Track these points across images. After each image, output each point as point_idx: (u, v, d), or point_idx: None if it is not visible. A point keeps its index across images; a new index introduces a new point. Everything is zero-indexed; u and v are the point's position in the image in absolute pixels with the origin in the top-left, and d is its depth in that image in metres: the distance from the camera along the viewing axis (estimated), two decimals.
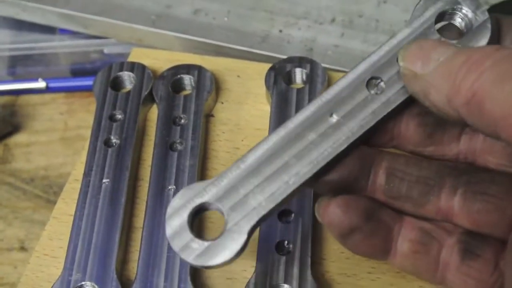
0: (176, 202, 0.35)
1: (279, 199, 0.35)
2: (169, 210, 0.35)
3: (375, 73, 0.37)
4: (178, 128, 0.48)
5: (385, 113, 0.36)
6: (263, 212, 0.35)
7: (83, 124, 0.60)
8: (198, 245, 0.34)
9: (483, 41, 0.36)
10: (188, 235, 0.34)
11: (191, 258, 0.34)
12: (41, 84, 0.62)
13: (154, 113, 0.50)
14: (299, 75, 0.50)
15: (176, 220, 0.35)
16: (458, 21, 0.37)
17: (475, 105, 0.30)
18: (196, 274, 0.42)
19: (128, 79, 0.51)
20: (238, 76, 0.52)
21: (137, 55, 0.54)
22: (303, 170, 0.36)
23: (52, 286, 0.41)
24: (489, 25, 0.36)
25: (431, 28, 0.37)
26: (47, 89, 0.62)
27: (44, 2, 0.62)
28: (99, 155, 0.47)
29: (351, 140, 0.36)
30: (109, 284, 0.41)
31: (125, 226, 0.44)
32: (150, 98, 0.50)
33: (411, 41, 0.37)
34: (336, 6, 0.60)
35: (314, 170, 0.36)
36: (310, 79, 0.49)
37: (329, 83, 0.49)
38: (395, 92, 0.36)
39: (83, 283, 0.41)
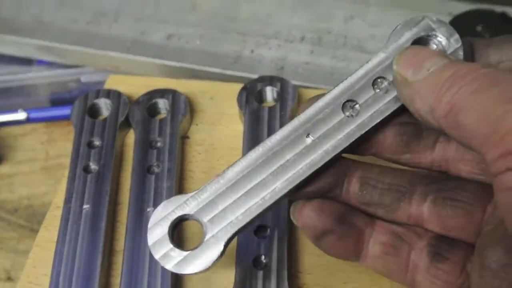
0: (157, 214, 0.37)
1: (255, 213, 0.37)
2: (151, 220, 0.37)
3: (351, 96, 0.38)
4: (155, 151, 0.49)
5: (358, 135, 0.38)
6: (239, 225, 0.37)
7: (64, 152, 0.61)
8: (177, 254, 0.36)
9: None
10: (168, 244, 0.36)
11: (170, 266, 0.36)
12: (21, 115, 0.63)
13: (131, 137, 0.51)
14: (270, 93, 0.51)
15: (157, 230, 0.37)
16: (432, 47, 0.38)
17: (452, 117, 0.31)
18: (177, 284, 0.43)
19: (104, 106, 0.52)
20: (211, 98, 0.53)
21: (113, 82, 0.55)
22: (279, 186, 0.37)
23: None
24: (461, 52, 0.38)
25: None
26: (28, 120, 0.63)
27: (21, 35, 0.63)
28: (78, 182, 0.48)
29: (325, 160, 0.37)
30: None
31: (106, 250, 0.45)
32: (127, 123, 0.52)
33: (386, 65, 0.38)
34: (305, 24, 0.61)
35: (290, 187, 0.37)
36: (281, 97, 0.50)
37: (299, 100, 0.51)
38: (370, 115, 0.38)
39: None
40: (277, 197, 0.37)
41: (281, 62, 0.59)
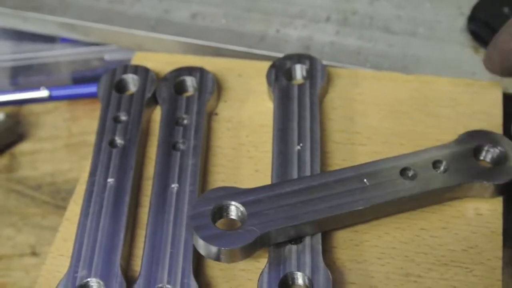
0: (208, 194, 0.42)
1: (293, 223, 0.41)
2: (200, 197, 0.42)
3: (411, 165, 0.43)
4: (181, 128, 0.49)
5: (407, 195, 0.42)
6: (276, 226, 0.40)
7: (87, 130, 0.61)
8: (212, 228, 0.40)
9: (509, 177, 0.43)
10: (207, 219, 0.40)
11: (202, 234, 0.40)
12: (43, 93, 0.63)
13: (157, 114, 0.51)
14: (299, 71, 0.51)
15: (202, 206, 0.41)
16: (489, 157, 0.45)
17: None
18: (199, 270, 0.43)
19: (131, 81, 0.52)
20: (239, 75, 0.53)
21: (139, 59, 0.55)
22: (321, 210, 0.41)
23: (59, 283, 0.42)
24: None
25: (469, 152, 0.44)
26: (50, 98, 0.63)
27: (44, 12, 0.63)
28: (103, 156, 0.48)
29: (373, 203, 0.42)
30: (114, 280, 0.42)
31: (130, 224, 0.45)
32: (154, 100, 0.52)
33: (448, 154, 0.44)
34: (330, 4, 0.61)
35: (330, 214, 0.41)
36: (310, 75, 0.50)
37: (328, 78, 0.51)
38: (424, 184, 0.43)
39: (88, 279, 0.42)
40: (315, 218, 0.41)
41: (307, 42, 0.58)
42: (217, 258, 0.40)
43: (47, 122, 0.62)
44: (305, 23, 0.60)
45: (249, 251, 0.40)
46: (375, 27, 0.59)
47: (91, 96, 0.62)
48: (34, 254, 0.53)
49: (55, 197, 0.57)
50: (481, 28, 0.57)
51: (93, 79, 0.63)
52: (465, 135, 0.45)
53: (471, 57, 0.56)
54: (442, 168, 0.44)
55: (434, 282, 0.41)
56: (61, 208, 0.55)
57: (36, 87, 0.63)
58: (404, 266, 0.42)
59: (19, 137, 0.61)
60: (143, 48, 0.61)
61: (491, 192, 0.43)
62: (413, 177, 0.43)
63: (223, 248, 0.39)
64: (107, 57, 0.64)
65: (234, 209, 0.41)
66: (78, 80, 0.64)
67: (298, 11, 0.61)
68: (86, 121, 0.61)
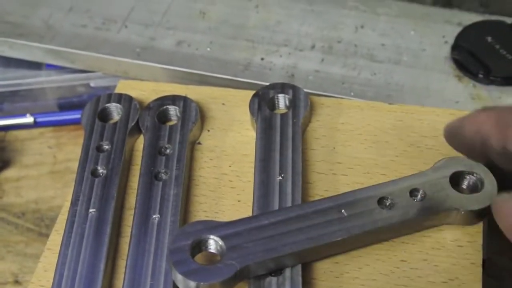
0: (187, 227, 0.42)
1: (272, 255, 0.40)
2: (179, 231, 0.42)
3: (388, 194, 0.43)
4: (164, 158, 0.49)
5: (385, 224, 0.42)
6: (256, 260, 0.40)
7: (72, 157, 0.61)
8: (191, 263, 0.40)
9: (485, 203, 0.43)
10: (186, 255, 0.40)
11: (181, 270, 0.39)
12: (29, 119, 0.63)
13: (140, 143, 0.51)
14: (282, 100, 0.51)
15: (181, 241, 0.40)
16: (465, 184, 0.45)
17: None
18: None
19: (115, 110, 0.52)
20: (223, 103, 0.53)
21: (123, 87, 0.55)
22: (302, 241, 0.41)
23: None
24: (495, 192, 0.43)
25: (445, 179, 0.44)
26: (35, 124, 0.63)
27: (31, 39, 0.63)
28: (85, 185, 0.48)
29: (352, 233, 0.42)
30: None
31: (111, 254, 0.45)
32: (137, 129, 0.52)
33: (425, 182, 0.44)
34: (315, 33, 0.61)
35: (309, 246, 0.41)
36: (293, 104, 0.50)
37: (311, 108, 0.51)
38: (401, 213, 0.43)
39: None
40: (296, 249, 0.41)
41: (292, 70, 0.59)
42: None
43: (32, 149, 0.62)
44: (290, 51, 0.60)
45: (228, 285, 0.40)
46: (360, 55, 0.60)
47: (77, 122, 0.62)
48: (17, 282, 0.53)
49: (39, 224, 0.57)
50: (464, 57, 0.58)
51: (79, 105, 0.63)
52: (442, 162, 0.45)
53: (454, 85, 0.57)
54: (419, 196, 0.44)
55: None
56: (44, 235, 0.55)
57: (22, 114, 0.63)
58: None
59: (4, 164, 0.61)
60: (129, 75, 0.62)
61: (468, 219, 0.43)
62: (390, 206, 0.43)
63: (201, 283, 0.39)
64: (93, 83, 0.64)
65: (213, 243, 0.41)
66: (64, 106, 0.64)
67: (283, 39, 0.61)
68: (71, 148, 0.62)
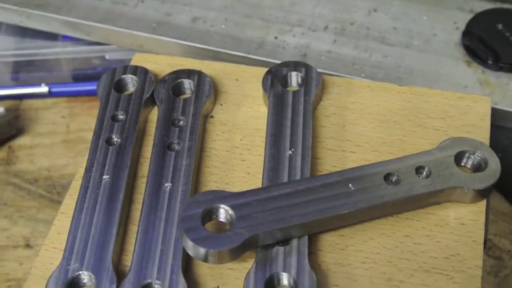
0: (198, 197, 0.42)
1: (280, 225, 0.42)
2: (191, 199, 0.43)
3: (395, 171, 0.45)
4: (177, 129, 0.50)
5: (391, 199, 0.43)
6: (264, 229, 0.41)
7: (85, 127, 0.62)
8: (201, 231, 0.41)
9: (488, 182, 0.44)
10: (197, 222, 0.41)
11: (192, 237, 0.41)
12: (43, 89, 0.64)
13: (155, 115, 0.52)
14: (295, 78, 0.52)
15: (193, 209, 0.42)
16: (470, 163, 0.46)
17: None
18: (188, 267, 0.44)
19: (131, 81, 0.53)
20: (236, 79, 0.54)
21: (139, 60, 0.56)
22: (309, 213, 0.42)
23: (51, 275, 0.43)
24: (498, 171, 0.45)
25: (450, 158, 0.45)
26: (50, 94, 0.64)
27: (48, 10, 0.64)
28: (100, 153, 0.49)
29: (359, 207, 0.43)
30: (105, 274, 0.43)
31: (123, 220, 0.46)
32: (151, 101, 0.53)
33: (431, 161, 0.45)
34: (328, 14, 0.62)
35: (316, 218, 0.42)
36: (305, 82, 0.51)
37: (322, 87, 0.52)
38: (407, 189, 0.44)
39: (80, 272, 0.43)
40: (304, 220, 0.42)
41: (304, 50, 0.60)
42: (206, 260, 0.41)
43: (46, 118, 0.63)
44: (303, 31, 0.61)
45: (237, 253, 0.41)
46: (372, 37, 0.61)
47: (90, 94, 0.63)
48: (28, 246, 0.55)
49: (51, 191, 0.58)
50: (475, 43, 0.59)
51: (93, 77, 0.64)
52: (447, 142, 0.46)
53: (464, 70, 0.58)
54: (424, 173, 0.45)
55: None
56: (56, 202, 0.56)
57: (37, 83, 0.64)
58: (387, 271, 0.43)
59: (18, 131, 0.62)
60: (144, 49, 0.63)
61: (471, 197, 0.44)
62: (396, 183, 0.44)
63: (211, 250, 0.40)
64: (108, 56, 0.65)
65: (223, 212, 0.42)
66: (78, 78, 0.65)
67: (297, 19, 0.62)
68: (84, 118, 0.63)
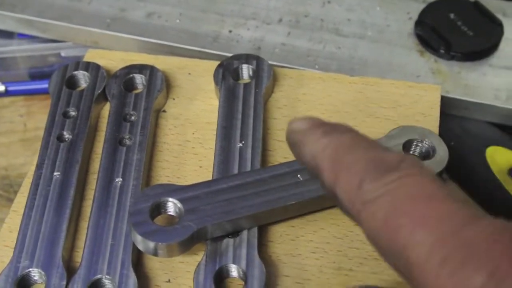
0: (147, 191, 0.43)
1: (229, 217, 0.42)
2: (140, 194, 0.43)
3: None
4: (128, 124, 0.50)
5: None
6: (213, 221, 0.41)
7: (42, 125, 0.61)
8: (150, 225, 0.41)
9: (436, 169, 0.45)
10: (146, 216, 0.41)
11: (141, 231, 0.41)
12: (0, 87, 0.64)
13: (107, 111, 0.52)
14: (246, 71, 0.52)
15: (141, 203, 0.42)
16: (418, 151, 0.46)
17: None
18: (139, 261, 0.44)
19: (83, 78, 0.53)
20: (189, 73, 0.54)
21: (92, 56, 0.56)
22: (258, 204, 0.43)
23: (1, 273, 0.43)
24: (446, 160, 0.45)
25: (398, 147, 0.45)
26: (6, 93, 0.64)
27: (2, 8, 0.64)
28: (51, 149, 0.49)
29: (306, 197, 0.43)
30: (55, 270, 0.43)
31: (74, 216, 0.46)
32: (104, 97, 0.53)
33: None
34: (283, 7, 0.63)
35: (265, 209, 0.42)
36: (256, 75, 0.51)
37: (274, 78, 0.52)
38: None
39: (30, 269, 0.43)
40: (251, 212, 0.42)
41: (259, 43, 0.60)
42: (155, 253, 0.41)
43: (3, 117, 0.63)
44: (257, 24, 0.61)
45: (186, 245, 0.41)
46: (326, 29, 0.61)
47: (47, 92, 0.62)
48: None
49: (8, 190, 0.58)
50: (427, 33, 0.59)
51: (49, 75, 0.63)
52: (396, 130, 0.47)
53: (416, 60, 0.58)
54: None
55: (365, 276, 0.42)
56: (13, 201, 0.56)
57: None
58: (336, 260, 0.43)
59: None
60: (99, 45, 0.62)
61: None
62: None
63: (160, 243, 0.40)
64: (64, 53, 0.65)
65: (172, 206, 0.42)
66: (35, 76, 0.65)
67: (251, 12, 0.62)
68: (42, 117, 0.62)
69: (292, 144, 0.37)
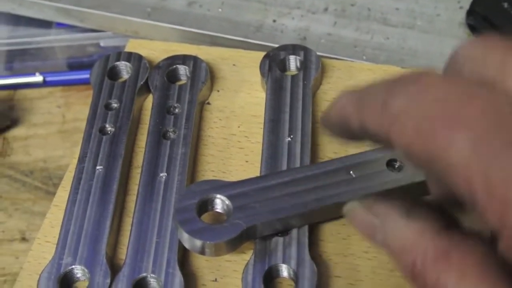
0: (193, 187, 0.41)
1: (279, 216, 0.40)
2: (186, 189, 0.42)
3: (396, 156, 0.43)
4: (172, 117, 0.49)
5: (395, 185, 0.42)
6: (262, 219, 0.40)
7: (81, 116, 0.60)
8: (197, 222, 0.39)
9: None
10: (192, 213, 0.40)
11: (187, 229, 0.39)
12: (38, 78, 0.62)
13: (149, 102, 0.51)
14: (293, 62, 0.51)
15: (188, 200, 0.40)
16: None
17: None
18: (184, 260, 0.43)
19: (124, 69, 0.52)
20: (234, 64, 0.53)
21: (134, 46, 0.54)
22: (309, 202, 0.41)
23: (43, 270, 0.42)
24: None
25: None
26: (44, 83, 0.63)
27: None
28: (93, 143, 0.48)
29: (359, 195, 0.39)
30: (99, 267, 0.42)
31: (117, 212, 0.45)
32: (146, 88, 0.51)
33: None
34: None
35: (316, 207, 0.41)
36: (304, 66, 0.50)
37: (322, 70, 0.50)
38: (410, 175, 0.42)
39: (73, 266, 0.42)
40: (304, 210, 0.41)
41: (304, 33, 0.58)
42: (202, 252, 0.40)
43: (41, 108, 0.62)
44: (302, 13, 0.59)
45: (234, 244, 0.40)
46: (373, 19, 0.59)
47: (86, 82, 0.61)
48: (24, 239, 0.53)
49: (47, 183, 0.57)
50: (479, 23, 0.57)
51: (88, 65, 0.62)
52: None
53: None
54: None
55: None
56: (52, 194, 0.55)
57: (31, 72, 0.63)
58: (390, 261, 0.41)
59: (13, 122, 0.61)
60: (139, 35, 0.61)
61: None
62: (399, 169, 0.43)
63: (207, 242, 0.39)
64: (103, 43, 0.63)
65: (220, 203, 0.41)
66: (73, 66, 0.64)
67: (296, 1, 0.60)
68: (80, 107, 0.61)
69: (322, 122, 0.35)
